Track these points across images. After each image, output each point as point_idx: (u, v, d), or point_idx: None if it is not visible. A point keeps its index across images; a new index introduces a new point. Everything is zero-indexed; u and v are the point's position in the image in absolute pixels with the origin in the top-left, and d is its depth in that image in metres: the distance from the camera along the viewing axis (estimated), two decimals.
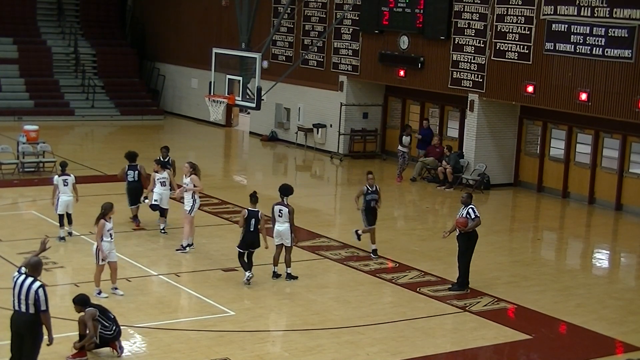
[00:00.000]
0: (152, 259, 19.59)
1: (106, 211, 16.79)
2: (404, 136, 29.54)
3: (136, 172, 21.83)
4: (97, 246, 16.65)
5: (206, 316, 16.19)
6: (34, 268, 12.42)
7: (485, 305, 17.47)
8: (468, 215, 17.92)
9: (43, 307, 12.19)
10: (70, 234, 20.75)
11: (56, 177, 20.82)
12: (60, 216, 20.60)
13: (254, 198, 17.95)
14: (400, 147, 29.48)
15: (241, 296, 17.50)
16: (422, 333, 15.86)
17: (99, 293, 16.66)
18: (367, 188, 19.92)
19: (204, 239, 21.10)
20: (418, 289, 18.27)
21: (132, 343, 14.93)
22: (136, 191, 21.87)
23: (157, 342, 14.92)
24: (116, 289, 16.91)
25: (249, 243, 17.79)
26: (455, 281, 18.30)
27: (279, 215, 18.10)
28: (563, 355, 15.47)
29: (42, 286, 12.26)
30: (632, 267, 22.08)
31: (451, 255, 18.75)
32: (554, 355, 15.41)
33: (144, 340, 15.06)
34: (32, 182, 26.47)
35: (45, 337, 12.45)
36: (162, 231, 21.34)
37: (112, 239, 16.75)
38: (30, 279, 12.25)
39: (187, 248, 19.91)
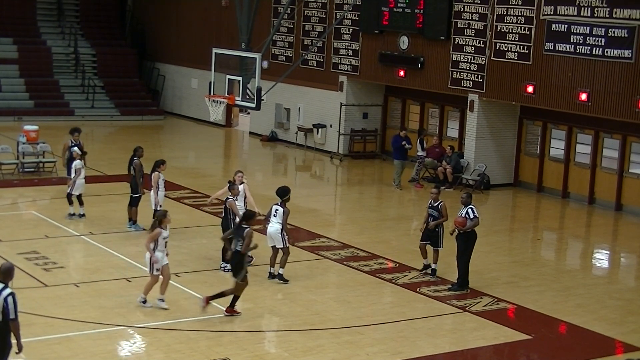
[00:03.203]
0: None
1: (160, 218, 16.41)
2: (423, 140, 29.24)
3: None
4: (150, 255, 16.24)
5: (206, 316, 16.18)
6: (5, 274, 12.01)
7: (485, 306, 17.47)
8: (467, 215, 17.92)
9: (12, 316, 11.80)
10: (83, 214, 22.36)
11: (79, 161, 22.35)
12: (77, 196, 22.20)
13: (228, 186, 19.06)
14: (419, 152, 29.10)
15: (241, 296, 17.50)
16: (421, 333, 15.86)
17: (144, 302, 16.34)
18: (430, 202, 19.00)
19: (204, 239, 21.11)
20: (418, 289, 18.27)
21: (132, 343, 14.94)
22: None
23: (157, 342, 14.92)
24: (162, 300, 16.43)
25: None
26: (455, 281, 18.31)
27: (273, 215, 18.11)
28: (563, 355, 15.47)
29: (12, 294, 11.83)
30: (631, 267, 22.09)
31: (451, 256, 18.75)
32: (554, 355, 15.41)
33: (143, 340, 15.06)
34: (32, 182, 26.47)
35: (14, 343, 12.03)
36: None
37: (165, 248, 16.38)
38: (0, 286, 11.91)
39: None
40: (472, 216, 17.90)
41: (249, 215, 16.55)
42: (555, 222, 26.04)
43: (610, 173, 26.74)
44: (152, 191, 20.86)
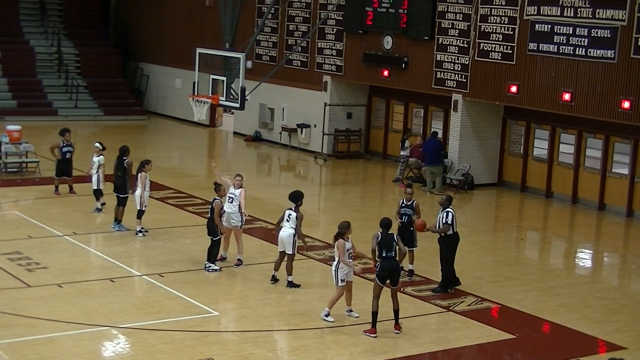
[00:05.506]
0: (136, 260, 19.56)
1: (344, 230, 16.27)
2: (406, 140, 29.37)
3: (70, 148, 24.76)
4: (351, 268, 16.13)
5: (190, 316, 16.15)
6: None
7: (469, 305, 17.50)
8: (440, 219, 17.86)
9: None
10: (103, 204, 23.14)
11: (102, 157, 22.93)
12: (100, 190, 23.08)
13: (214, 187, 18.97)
14: (402, 152, 29.25)
15: (225, 296, 17.50)
16: (405, 333, 15.86)
17: (327, 315, 16.17)
18: (402, 201, 19.01)
19: (188, 239, 21.07)
20: (402, 288, 18.26)
21: (115, 344, 14.89)
22: (66, 167, 24.53)
23: (141, 342, 14.88)
24: (351, 311, 16.46)
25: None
26: (439, 282, 18.29)
27: (287, 220, 17.94)
28: (546, 354, 15.51)
29: None
30: (614, 267, 22.17)
31: (434, 255, 18.74)
32: (537, 354, 15.45)
33: (127, 341, 15.01)
34: (15, 183, 26.34)
35: None
36: (141, 233, 21.22)
37: (351, 259, 16.21)
38: None
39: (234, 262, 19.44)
40: (444, 221, 17.82)
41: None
42: (538, 222, 26.11)
43: (593, 173, 26.83)
44: (137, 191, 20.86)
